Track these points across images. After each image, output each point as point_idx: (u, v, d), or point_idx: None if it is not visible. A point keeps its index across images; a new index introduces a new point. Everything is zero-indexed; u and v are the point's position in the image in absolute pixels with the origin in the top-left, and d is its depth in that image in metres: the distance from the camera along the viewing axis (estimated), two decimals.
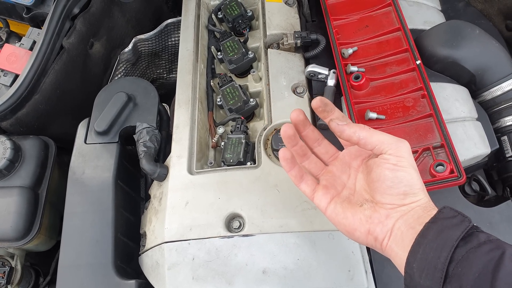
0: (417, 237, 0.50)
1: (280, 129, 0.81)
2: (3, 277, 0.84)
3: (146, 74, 1.36)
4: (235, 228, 0.75)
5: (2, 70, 0.90)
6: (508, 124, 0.86)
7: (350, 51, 0.92)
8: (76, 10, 0.98)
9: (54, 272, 1.00)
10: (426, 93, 0.81)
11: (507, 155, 0.85)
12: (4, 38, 1.00)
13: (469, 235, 0.48)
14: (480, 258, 0.46)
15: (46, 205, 0.89)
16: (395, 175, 0.54)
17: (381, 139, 0.56)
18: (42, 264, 1.02)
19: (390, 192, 0.55)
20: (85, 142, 0.86)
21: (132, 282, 0.75)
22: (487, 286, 0.44)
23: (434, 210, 0.53)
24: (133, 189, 0.89)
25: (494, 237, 0.49)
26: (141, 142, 0.84)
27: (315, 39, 0.96)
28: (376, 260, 0.76)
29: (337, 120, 0.59)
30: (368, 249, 0.75)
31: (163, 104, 1.02)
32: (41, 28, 0.96)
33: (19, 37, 1.01)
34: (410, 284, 0.50)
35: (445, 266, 0.46)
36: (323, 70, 0.91)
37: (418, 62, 0.85)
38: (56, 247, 1.00)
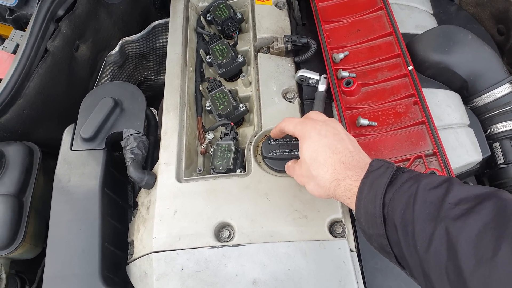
0: (357, 195, 0.57)
1: (270, 135, 0.81)
2: None
3: (133, 76, 1.34)
4: (224, 238, 0.73)
5: None
6: (500, 130, 0.86)
7: (341, 55, 0.91)
8: (60, 12, 0.95)
9: (40, 280, 0.98)
10: (418, 99, 0.80)
11: (499, 162, 0.85)
12: None
13: (395, 179, 0.55)
14: (402, 195, 0.53)
15: (31, 212, 0.87)
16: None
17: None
18: (28, 272, 1.00)
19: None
20: (70, 148, 0.84)
21: None
22: (410, 219, 0.50)
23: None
24: (120, 197, 0.87)
25: (415, 173, 0.55)
26: (128, 149, 0.82)
27: (305, 43, 0.94)
28: (368, 270, 0.75)
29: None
30: (359, 259, 0.75)
31: (151, 108, 0.99)
32: (24, 30, 0.93)
33: (1, 39, 0.98)
34: (366, 236, 0.59)
35: (380, 211, 0.53)
36: (314, 75, 0.90)
37: (410, 67, 0.85)
38: (42, 254, 0.98)
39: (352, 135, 0.67)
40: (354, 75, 0.88)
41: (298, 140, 0.80)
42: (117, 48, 1.15)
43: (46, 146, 0.97)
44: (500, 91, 0.86)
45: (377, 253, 0.76)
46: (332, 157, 0.62)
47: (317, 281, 0.69)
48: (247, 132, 0.92)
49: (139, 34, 1.18)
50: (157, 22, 1.19)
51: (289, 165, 0.73)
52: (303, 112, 0.89)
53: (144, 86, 1.42)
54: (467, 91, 0.89)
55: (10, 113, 0.89)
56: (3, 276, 0.87)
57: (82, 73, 1.08)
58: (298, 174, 0.69)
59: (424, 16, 1.02)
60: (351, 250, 0.72)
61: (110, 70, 1.19)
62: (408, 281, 0.74)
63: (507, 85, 0.85)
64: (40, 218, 0.93)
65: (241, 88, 0.97)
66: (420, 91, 0.81)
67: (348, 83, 0.85)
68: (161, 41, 1.24)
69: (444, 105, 0.85)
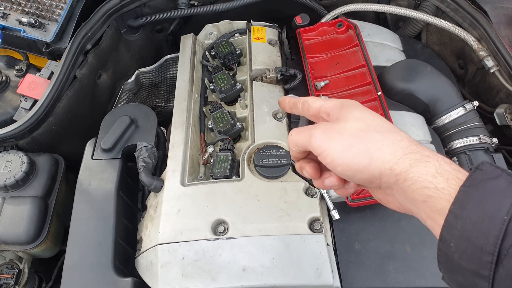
0: (453, 208, 0.40)
1: (262, 148, 0.96)
2: (12, 278, 0.94)
3: (146, 102, 1.51)
4: (220, 232, 0.86)
5: (23, 96, 1.04)
6: (457, 146, 1.01)
7: (322, 83, 1.07)
8: (89, 46, 1.14)
9: (56, 279, 1.10)
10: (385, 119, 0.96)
11: None
12: (24, 69, 1.15)
13: None
14: None
15: (54, 215, 1.01)
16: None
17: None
18: (45, 272, 1.11)
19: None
20: (92, 158, 0.99)
21: (129, 279, 0.85)
22: None
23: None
24: (132, 200, 1.01)
25: None
26: (140, 158, 0.97)
27: (293, 74, 1.11)
28: (342, 263, 0.87)
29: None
30: (335, 253, 0.87)
31: (161, 128, 1.16)
32: (57, 61, 1.12)
33: (37, 69, 1.16)
34: (447, 264, 0.42)
35: (496, 248, 0.37)
36: None
37: (379, 93, 1.01)
38: (58, 256, 1.10)
39: None
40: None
41: (284, 151, 0.96)
42: (133, 77, 1.33)
43: (68, 160, 1.12)
44: (455, 113, 1.01)
45: (351, 248, 0.89)
46: (401, 132, 0.49)
47: (297, 268, 0.81)
48: (242, 146, 1.06)
49: (152, 66, 1.35)
50: (168, 56, 1.37)
51: (304, 126, 0.56)
52: (290, 130, 1.05)
53: (156, 112, 1.58)
54: (429, 114, 1.05)
55: (42, 129, 1.05)
56: (26, 270, 0.99)
57: (102, 97, 1.26)
58: (325, 131, 0.50)
59: (394, 52, 1.19)
60: (328, 245, 0.85)
61: (126, 96, 1.36)
62: (378, 272, 0.86)
63: (460, 108, 1.01)
64: (60, 221, 1.07)
65: (239, 110, 1.13)
66: (387, 111, 0.97)
67: None
68: (171, 72, 1.42)
69: (409, 125, 1.01)
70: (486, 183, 0.40)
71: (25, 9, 1.11)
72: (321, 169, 0.57)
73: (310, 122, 1.04)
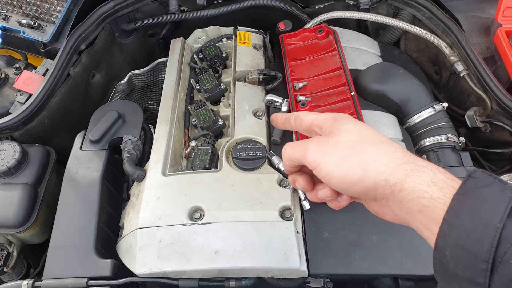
0: (447, 216, 0.40)
1: (241, 142, 1.01)
2: (0, 259, 0.99)
3: (139, 104, 1.58)
4: (196, 218, 0.91)
5: (19, 91, 1.11)
6: (427, 144, 1.06)
7: (301, 85, 1.14)
8: (83, 47, 1.21)
9: (44, 265, 1.15)
10: (356, 116, 1.02)
11: None
12: (22, 68, 1.23)
13: None
14: None
15: (43, 203, 1.06)
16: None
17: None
18: (34, 260, 1.17)
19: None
20: (80, 148, 1.05)
21: (109, 261, 0.90)
22: None
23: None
24: (116, 190, 1.07)
25: None
26: (126, 150, 1.03)
27: (274, 75, 1.18)
28: (310, 250, 0.91)
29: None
30: (304, 240, 0.92)
31: (150, 125, 1.22)
32: (53, 60, 1.19)
33: (34, 68, 1.23)
34: (443, 273, 0.42)
35: (490, 255, 0.37)
36: (279, 99, 1.13)
37: (353, 93, 1.07)
38: (47, 245, 1.15)
39: None
40: (309, 99, 1.10)
41: (261, 145, 1.02)
42: (125, 79, 1.40)
43: (60, 154, 1.18)
44: (425, 113, 1.07)
45: (319, 236, 0.93)
46: (394, 143, 0.49)
47: (266, 252, 0.86)
48: (224, 142, 1.13)
49: (144, 69, 1.42)
50: (160, 59, 1.44)
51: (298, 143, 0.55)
52: (269, 128, 1.11)
53: (148, 114, 1.66)
54: (401, 114, 1.10)
55: (35, 122, 1.12)
56: (15, 253, 1.04)
57: (95, 97, 1.33)
58: (319, 144, 0.51)
59: (372, 56, 1.26)
60: (297, 232, 0.90)
61: (118, 97, 1.43)
62: (344, 260, 0.90)
63: (430, 109, 1.06)
64: (50, 210, 1.12)
65: (222, 109, 1.20)
66: (359, 110, 1.02)
67: (303, 104, 1.07)
68: (163, 75, 1.48)
69: (381, 123, 1.06)
70: (479, 190, 0.40)
71: (25, 12, 1.19)
72: (314, 181, 0.58)
73: (284, 133, 1.10)
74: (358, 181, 0.47)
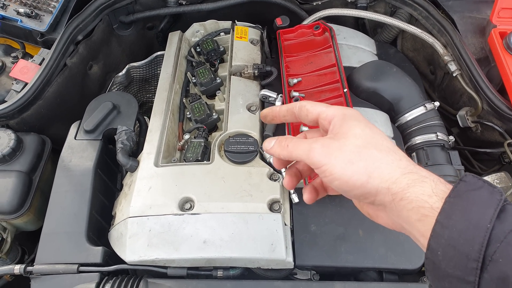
0: (439, 218, 0.42)
1: (233, 135, 1.03)
2: None
3: (136, 97, 1.59)
4: (186, 209, 0.93)
5: (15, 79, 1.13)
6: (417, 142, 1.07)
7: (295, 80, 1.15)
8: (80, 37, 1.23)
9: None
10: None
11: None
12: (19, 57, 1.24)
13: (502, 211, 0.41)
14: None
15: (37, 191, 1.08)
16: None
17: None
18: (29, 247, 1.18)
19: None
20: (75, 138, 1.07)
21: (100, 248, 0.92)
22: None
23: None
24: (110, 180, 1.08)
25: None
26: (119, 140, 1.04)
27: (269, 70, 1.19)
28: (297, 242, 0.93)
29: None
30: (292, 232, 0.93)
31: (145, 117, 1.23)
32: (50, 49, 1.20)
33: (32, 57, 1.24)
34: (435, 272, 0.43)
35: (479, 255, 0.39)
36: (272, 94, 1.14)
37: (346, 90, 1.08)
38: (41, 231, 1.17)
39: None
40: (303, 95, 1.11)
41: (253, 139, 1.03)
42: (124, 71, 1.41)
43: (56, 143, 1.19)
44: (417, 112, 1.08)
45: (307, 229, 0.95)
46: (399, 151, 0.50)
47: (253, 243, 0.87)
48: (217, 135, 1.14)
49: (143, 61, 1.43)
50: (159, 53, 1.45)
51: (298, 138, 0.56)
52: (262, 122, 1.12)
53: (146, 107, 1.67)
54: (394, 112, 1.12)
55: (31, 111, 1.13)
56: (9, 239, 1.06)
57: (92, 88, 1.34)
58: (325, 146, 0.51)
59: (367, 54, 1.27)
60: (285, 224, 0.91)
61: (116, 89, 1.44)
62: (330, 252, 0.92)
63: (422, 107, 1.07)
64: (45, 198, 1.13)
65: (217, 103, 1.21)
66: (351, 107, 1.03)
67: (296, 100, 1.08)
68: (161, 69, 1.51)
69: (373, 121, 1.07)
70: (469, 193, 0.42)
71: (23, 1, 1.20)
72: (301, 173, 0.61)
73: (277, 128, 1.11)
74: (360, 186, 0.48)
